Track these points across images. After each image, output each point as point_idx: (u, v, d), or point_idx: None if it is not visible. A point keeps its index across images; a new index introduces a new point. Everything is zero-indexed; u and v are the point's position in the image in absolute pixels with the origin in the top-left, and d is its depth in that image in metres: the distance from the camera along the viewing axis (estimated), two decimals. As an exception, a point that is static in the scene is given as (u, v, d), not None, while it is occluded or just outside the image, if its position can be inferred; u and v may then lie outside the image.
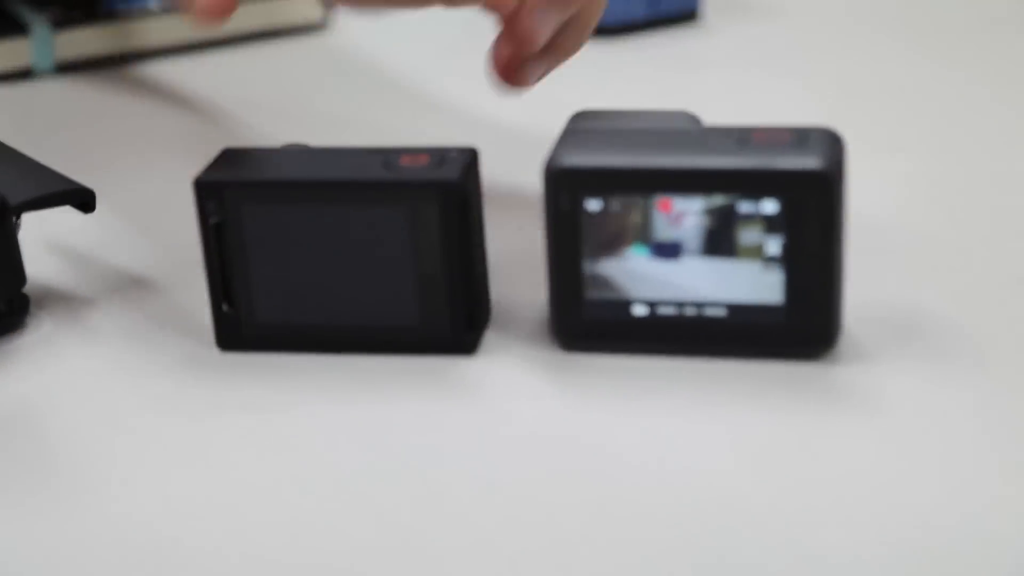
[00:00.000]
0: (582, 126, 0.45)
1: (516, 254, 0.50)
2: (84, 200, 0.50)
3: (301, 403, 0.43)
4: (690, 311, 0.44)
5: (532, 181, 0.49)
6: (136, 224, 0.56)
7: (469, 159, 0.44)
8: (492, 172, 0.51)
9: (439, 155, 0.44)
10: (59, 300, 0.50)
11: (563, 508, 0.37)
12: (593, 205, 0.43)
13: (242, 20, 0.80)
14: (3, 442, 0.42)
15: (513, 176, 0.56)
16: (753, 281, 0.43)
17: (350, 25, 0.83)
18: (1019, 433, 0.39)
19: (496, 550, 0.36)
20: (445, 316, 0.44)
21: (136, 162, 0.63)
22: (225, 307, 0.45)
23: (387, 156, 0.44)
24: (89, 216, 0.51)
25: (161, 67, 0.77)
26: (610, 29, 0.77)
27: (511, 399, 0.43)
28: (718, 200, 0.42)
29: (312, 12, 0.82)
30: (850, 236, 0.53)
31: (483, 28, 0.56)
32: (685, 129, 0.44)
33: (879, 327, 0.45)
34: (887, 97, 0.66)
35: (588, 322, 0.44)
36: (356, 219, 0.43)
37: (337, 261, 0.44)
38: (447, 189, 0.43)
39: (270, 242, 0.44)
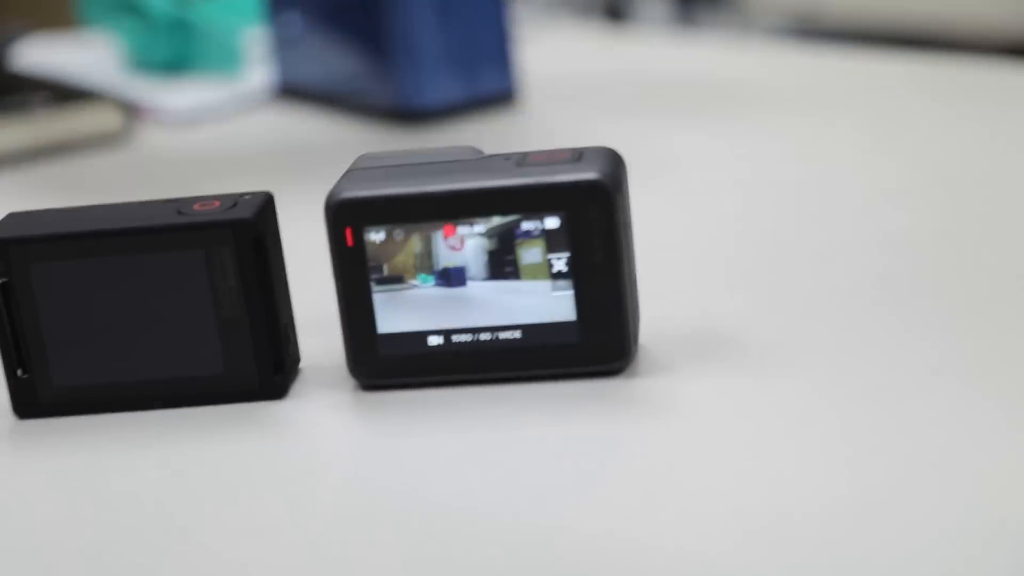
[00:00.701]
0: (365, 164, 0.46)
1: (325, 305, 0.50)
2: None
3: (106, 459, 0.42)
4: (485, 336, 0.44)
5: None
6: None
7: (263, 201, 0.44)
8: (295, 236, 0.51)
9: (232, 199, 0.44)
10: None
11: (375, 539, 0.37)
12: (375, 236, 0.43)
13: (36, 132, 0.80)
14: None
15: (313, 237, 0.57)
16: (544, 301, 0.44)
17: (152, 131, 0.83)
18: (810, 428, 0.41)
19: (305, 560, 0.36)
20: (250, 361, 0.44)
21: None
22: (20, 372, 0.45)
23: (180, 204, 0.44)
24: None
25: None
26: (426, 113, 0.78)
27: (315, 438, 0.43)
28: (499, 221, 0.43)
29: (111, 122, 0.82)
30: (640, 256, 0.54)
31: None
32: (465, 158, 0.45)
33: (677, 343, 0.46)
34: (669, 157, 0.69)
35: (384, 357, 0.44)
36: (151, 268, 0.43)
37: (135, 315, 0.44)
38: (241, 227, 0.43)
39: (62, 300, 0.44)
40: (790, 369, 0.44)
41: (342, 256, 0.44)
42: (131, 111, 0.84)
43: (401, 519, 0.37)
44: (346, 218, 0.43)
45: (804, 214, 0.59)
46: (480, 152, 0.46)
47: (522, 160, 0.44)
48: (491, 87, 0.80)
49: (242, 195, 0.45)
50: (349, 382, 0.46)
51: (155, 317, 0.44)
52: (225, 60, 0.92)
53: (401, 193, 0.43)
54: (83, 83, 0.86)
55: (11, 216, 0.45)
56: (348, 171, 0.45)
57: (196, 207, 0.44)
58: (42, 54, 1.02)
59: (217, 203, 0.44)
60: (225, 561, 0.36)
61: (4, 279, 0.44)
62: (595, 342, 0.44)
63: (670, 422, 0.41)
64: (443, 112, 0.79)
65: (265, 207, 0.44)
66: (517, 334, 0.44)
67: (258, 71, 0.93)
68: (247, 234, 0.43)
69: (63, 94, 0.82)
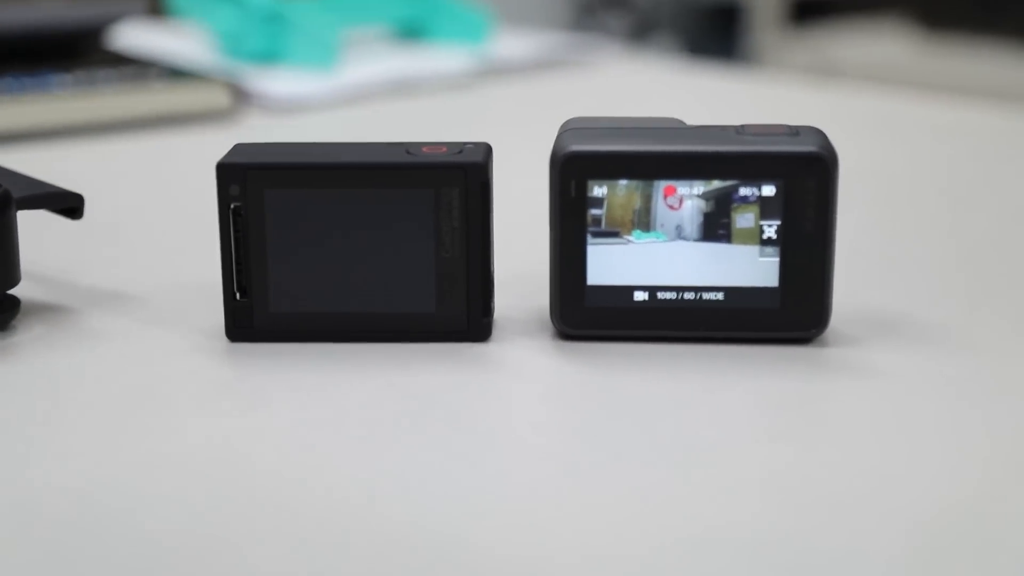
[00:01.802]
0: (576, 125, 0.48)
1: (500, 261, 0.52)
2: (74, 205, 0.50)
3: (323, 379, 0.44)
4: (688, 296, 0.46)
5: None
6: (107, 244, 0.57)
7: (486, 149, 0.46)
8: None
9: (458, 146, 0.46)
10: (45, 310, 0.50)
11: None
12: (598, 191, 0.46)
13: (149, 103, 0.81)
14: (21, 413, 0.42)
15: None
16: (749, 265, 0.46)
17: (256, 114, 0.85)
18: (999, 402, 0.43)
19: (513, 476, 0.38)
20: (462, 302, 0.46)
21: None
22: (238, 296, 0.46)
23: (408, 146, 0.46)
24: (57, 239, 0.51)
25: (62, 146, 0.77)
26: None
27: (527, 375, 0.44)
28: (717, 185, 0.45)
29: (221, 100, 0.83)
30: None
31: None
32: (679, 126, 0.47)
33: (862, 321, 0.48)
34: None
35: (590, 308, 0.46)
36: (379, 204, 0.45)
37: (356, 248, 0.45)
38: (472, 170, 0.45)
39: (289, 228, 0.45)
40: (974, 349, 0.46)
41: (563, 207, 0.46)
42: (238, 92, 0.86)
43: (614, 443, 0.39)
44: (572, 170, 0.45)
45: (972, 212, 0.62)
46: (683, 122, 0.49)
47: (741, 130, 0.46)
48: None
49: (465, 143, 0.47)
50: (544, 330, 0.47)
51: (375, 252, 0.45)
52: (319, 55, 0.94)
53: (628, 150, 0.45)
54: (189, 63, 0.87)
55: (240, 145, 0.47)
56: (563, 130, 0.47)
57: (425, 149, 0.46)
58: (134, 38, 1.03)
59: (444, 148, 0.46)
60: (472, 472, 0.38)
61: (237, 203, 0.45)
62: (794, 309, 0.46)
63: (861, 387, 0.43)
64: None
65: (488, 154, 0.46)
66: (720, 296, 0.46)
67: (354, 67, 0.95)
68: (477, 177, 0.45)
69: (173, 71, 0.84)
